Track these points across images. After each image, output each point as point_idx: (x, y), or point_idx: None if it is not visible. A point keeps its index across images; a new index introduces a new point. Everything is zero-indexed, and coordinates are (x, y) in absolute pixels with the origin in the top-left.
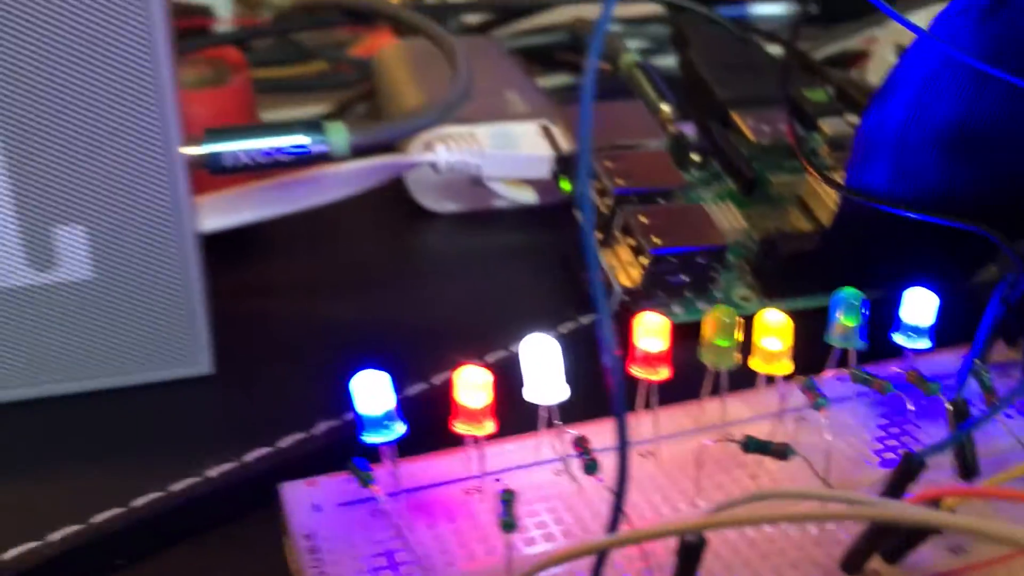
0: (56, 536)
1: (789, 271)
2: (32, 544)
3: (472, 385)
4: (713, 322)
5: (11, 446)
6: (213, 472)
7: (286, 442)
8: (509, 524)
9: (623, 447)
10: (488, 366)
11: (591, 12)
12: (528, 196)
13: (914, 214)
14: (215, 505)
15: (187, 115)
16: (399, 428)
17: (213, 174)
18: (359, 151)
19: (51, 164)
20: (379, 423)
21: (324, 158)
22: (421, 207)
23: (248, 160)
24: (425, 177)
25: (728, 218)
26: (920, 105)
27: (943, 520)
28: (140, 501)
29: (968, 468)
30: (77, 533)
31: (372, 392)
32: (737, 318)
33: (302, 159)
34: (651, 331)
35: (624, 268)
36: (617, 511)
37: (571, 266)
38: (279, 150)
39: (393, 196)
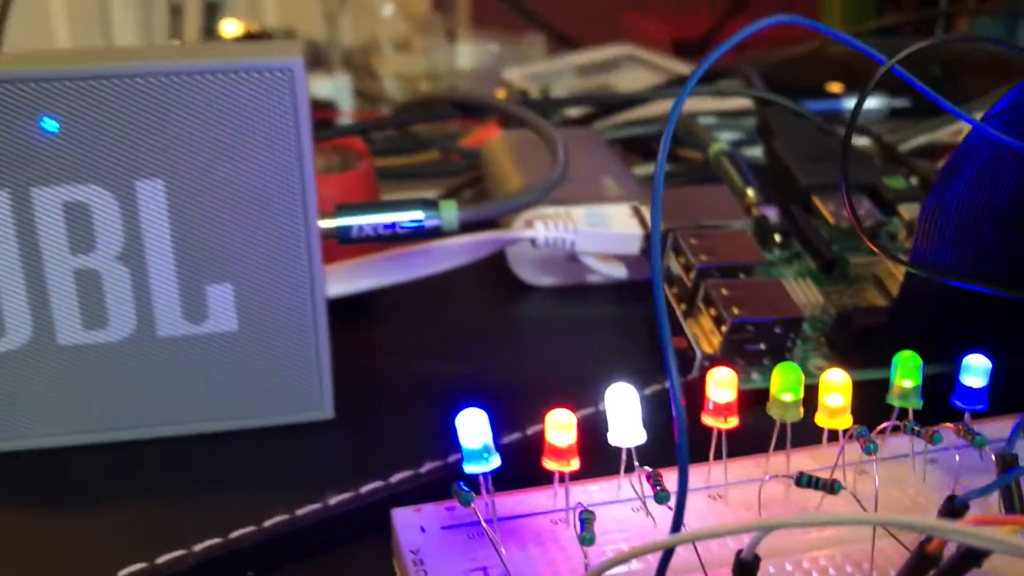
0: (198, 547)
1: (861, 343)
2: (179, 552)
3: (560, 425)
4: (778, 377)
5: (160, 473)
6: (332, 500)
7: (396, 477)
8: (587, 539)
9: (682, 450)
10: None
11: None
12: (619, 271)
13: (967, 285)
14: (334, 529)
15: (319, 196)
16: (495, 460)
17: (342, 243)
18: (467, 226)
19: (208, 233)
20: (478, 455)
21: (436, 232)
22: (520, 280)
23: (371, 232)
24: (524, 252)
25: (806, 294)
26: (977, 187)
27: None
28: (269, 522)
29: (1012, 503)
30: (217, 545)
31: (473, 427)
32: (801, 375)
33: (417, 232)
34: (721, 383)
35: (706, 336)
36: (680, 510)
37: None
38: (398, 224)
39: (496, 271)
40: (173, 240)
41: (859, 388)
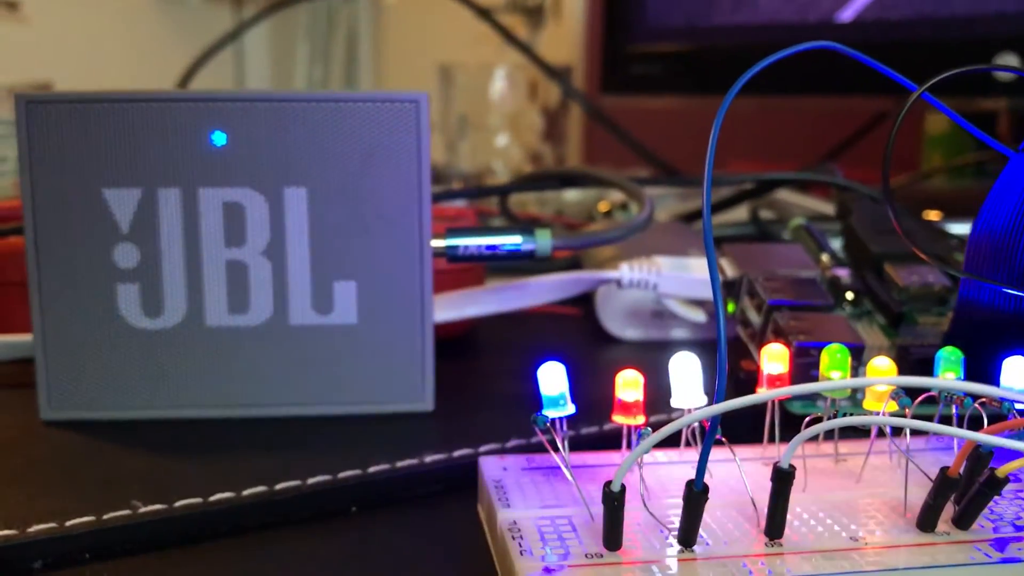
0: (311, 480)
1: (920, 373)
2: (294, 482)
3: (628, 382)
4: (826, 358)
5: (283, 440)
6: (428, 458)
7: (484, 447)
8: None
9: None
10: (650, 424)
11: (773, 203)
12: (699, 316)
13: (1016, 291)
14: (427, 483)
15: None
16: (570, 407)
17: (450, 261)
18: (557, 251)
19: (340, 236)
20: (555, 401)
21: (531, 256)
22: (608, 333)
23: (475, 251)
24: (612, 305)
25: (874, 337)
26: (1020, 211)
27: None
28: (373, 468)
29: None
30: (326, 482)
31: (552, 377)
32: (848, 352)
33: (514, 255)
34: (774, 357)
35: None
36: (721, 383)
37: (730, 361)
38: (499, 247)
39: (585, 322)
40: (310, 240)
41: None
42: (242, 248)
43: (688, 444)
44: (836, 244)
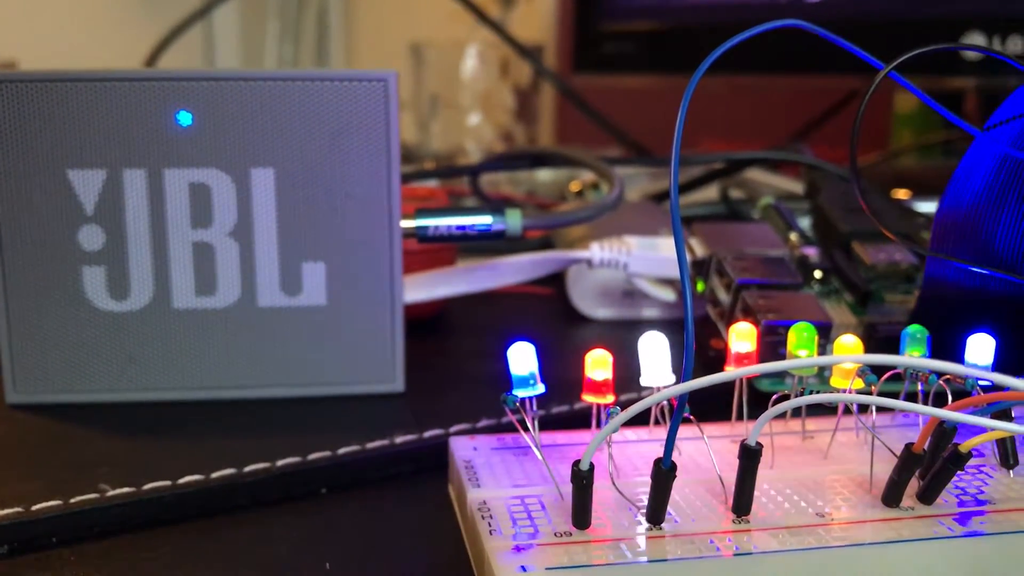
0: (280, 462)
1: (887, 350)
2: (263, 464)
3: (597, 361)
4: (794, 337)
5: (252, 422)
6: (398, 439)
7: (455, 428)
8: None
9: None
10: (620, 404)
11: (743, 182)
12: (668, 294)
13: (982, 268)
14: (398, 463)
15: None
16: (539, 387)
17: (420, 242)
18: (528, 231)
19: (308, 217)
20: (525, 381)
21: (501, 235)
22: (578, 312)
23: (445, 232)
24: (583, 285)
25: (842, 315)
26: (985, 189)
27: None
28: (343, 450)
29: (1007, 457)
30: (296, 464)
31: (522, 357)
32: (814, 331)
33: (484, 235)
34: (742, 335)
35: None
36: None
37: (699, 340)
38: (469, 227)
39: (556, 302)
40: (278, 221)
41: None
42: (209, 229)
43: (657, 422)
44: (805, 223)
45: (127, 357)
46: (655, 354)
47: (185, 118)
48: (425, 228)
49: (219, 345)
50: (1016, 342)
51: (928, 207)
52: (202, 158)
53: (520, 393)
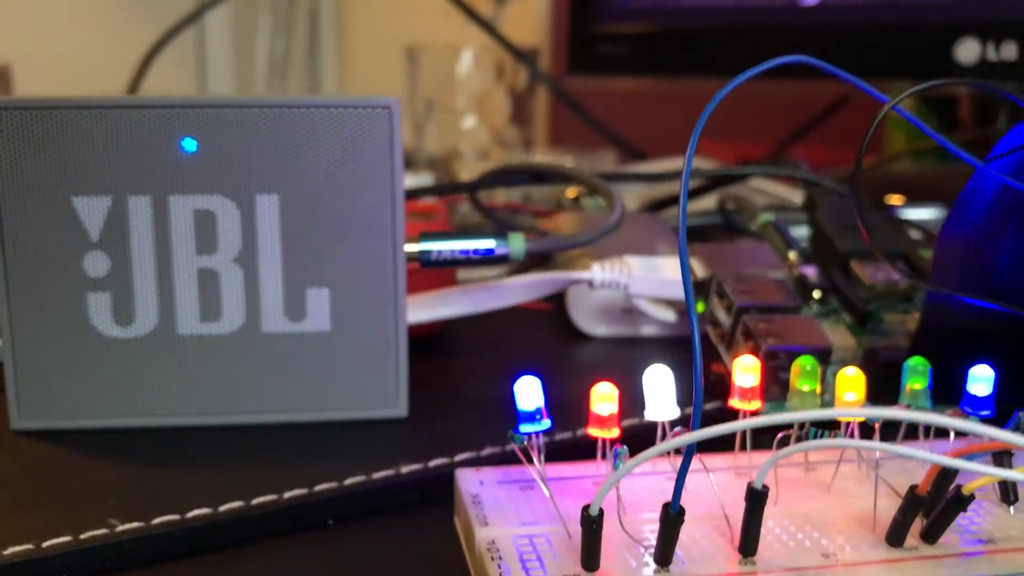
0: (287, 495)
1: (887, 378)
2: (271, 496)
3: (603, 396)
4: (797, 369)
5: (258, 449)
6: (404, 469)
7: (460, 456)
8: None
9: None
10: (623, 430)
11: (740, 191)
12: (668, 315)
13: (979, 301)
14: (404, 493)
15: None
16: (545, 422)
17: (423, 266)
18: (532, 256)
19: (312, 244)
20: (531, 416)
21: (504, 260)
22: (578, 330)
23: (449, 256)
24: (583, 303)
25: (841, 338)
26: (984, 221)
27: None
28: (349, 480)
29: (1008, 494)
30: (303, 495)
31: (528, 392)
32: (817, 364)
33: (487, 259)
34: (746, 369)
35: None
36: (697, 410)
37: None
38: (472, 251)
39: (557, 320)
40: (282, 247)
41: (886, 425)
42: (213, 256)
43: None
44: (803, 231)
45: (132, 383)
46: (660, 388)
47: (190, 144)
48: (428, 253)
49: (224, 371)
50: (1017, 371)
51: (922, 213)
52: (207, 185)
53: (526, 428)
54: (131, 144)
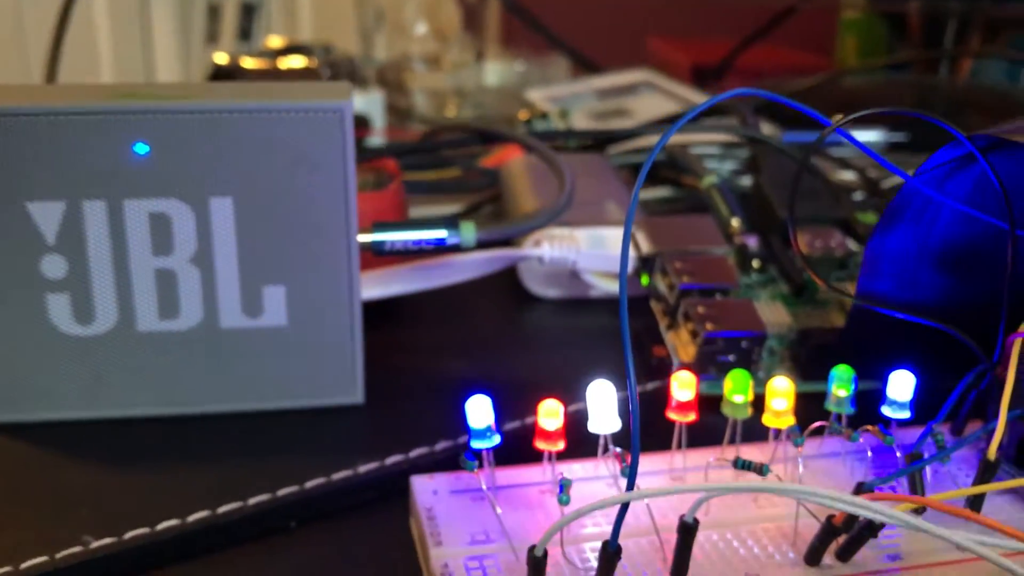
0: (252, 500)
1: (818, 358)
2: (235, 504)
3: (549, 412)
4: (730, 381)
5: (218, 442)
6: (362, 468)
7: (415, 452)
8: (564, 500)
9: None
10: (568, 413)
11: (682, 139)
12: (613, 286)
13: (903, 315)
14: (362, 491)
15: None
16: (496, 439)
17: (375, 256)
18: (483, 244)
19: (267, 243)
20: (483, 434)
21: (456, 248)
22: (530, 293)
23: (401, 246)
24: (534, 268)
25: (777, 314)
26: (912, 233)
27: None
28: (310, 483)
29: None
30: (266, 500)
31: (479, 411)
32: (750, 379)
33: (440, 248)
34: (683, 384)
35: (683, 347)
36: (633, 471)
37: (642, 343)
38: (424, 241)
39: (508, 284)
40: (238, 247)
41: (815, 398)
42: (170, 256)
43: (604, 452)
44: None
45: (94, 378)
46: (602, 403)
47: (142, 149)
48: (381, 243)
49: (184, 365)
50: (938, 369)
51: (870, 136)
52: (161, 189)
53: (477, 444)
54: (82, 150)
